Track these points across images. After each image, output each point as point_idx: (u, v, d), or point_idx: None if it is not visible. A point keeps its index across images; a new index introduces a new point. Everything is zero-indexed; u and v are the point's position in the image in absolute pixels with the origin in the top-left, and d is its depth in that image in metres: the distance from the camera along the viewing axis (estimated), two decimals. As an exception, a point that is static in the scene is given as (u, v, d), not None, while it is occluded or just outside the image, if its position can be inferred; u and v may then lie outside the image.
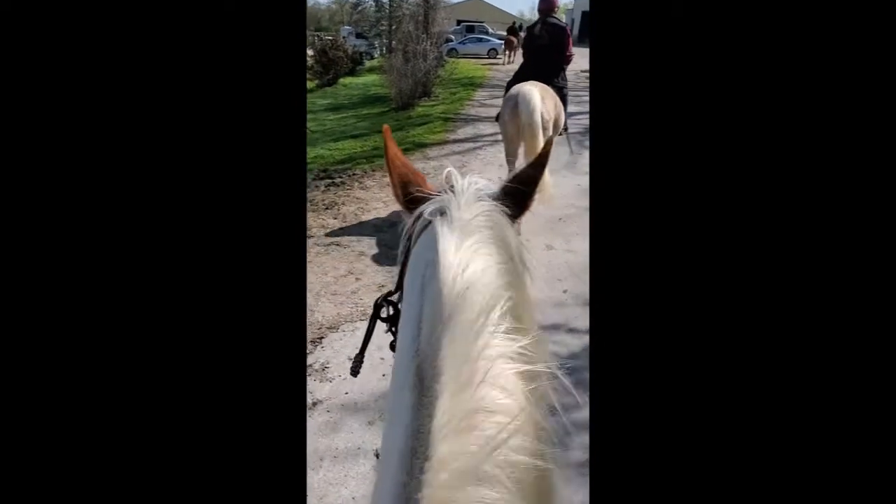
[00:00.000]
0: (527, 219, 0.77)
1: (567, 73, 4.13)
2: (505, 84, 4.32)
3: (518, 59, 18.29)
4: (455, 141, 6.35)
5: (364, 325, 2.59)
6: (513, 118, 3.40)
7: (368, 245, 3.50)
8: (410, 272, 0.60)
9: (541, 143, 3.38)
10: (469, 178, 0.64)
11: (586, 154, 5.74)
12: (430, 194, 0.66)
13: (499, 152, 5.75)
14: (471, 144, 6.18)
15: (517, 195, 0.66)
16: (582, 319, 2.61)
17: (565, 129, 4.15)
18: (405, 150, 5.84)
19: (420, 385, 0.45)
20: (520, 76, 3.86)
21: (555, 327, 2.55)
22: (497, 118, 3.91)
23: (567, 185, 4.59)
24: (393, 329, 0.75)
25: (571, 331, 2.52)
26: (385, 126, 0.78)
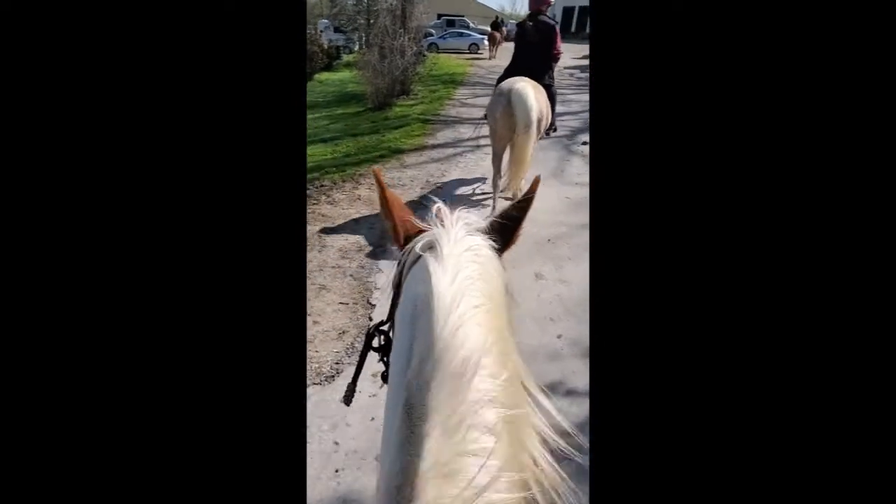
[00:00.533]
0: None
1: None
2: (494, 81, 4.11)
3: (500, 54, 18.55)
4: (434, 146, 5.89)
5: (320, 392, 2.19)
6: (505, 115, 3.22)
7: (331, 276, 3.04)
8: (402, 304, 0.61)
9: (532, 143, 3.27)
10: (458, 213, 0.65)
11: (574, 161, 5.34)
12: (422, 229, 0.67)
13: (480, 159, 5.33)
14: (451, 150, 5.73)
15: (503, 230, 0.68)
16: (582, 375, 2.20)
17: (553, 129, 4.07)
18: (380, 157, 5.37)
19: (409, 423, 0.46)
20: (510, 72, 3.74)
21: (550, 387, 2.13)
22: (485, 116, 3.75)
23: (554, 198, 4.18)
24: (385, 359, 0.75)
25: (570, 393, 2.11)
26: (375, 168, 0.78)
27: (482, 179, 4.75)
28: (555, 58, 3.82)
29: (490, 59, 17.82)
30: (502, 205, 3.69)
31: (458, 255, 0.57)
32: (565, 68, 11.37)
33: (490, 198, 3.93)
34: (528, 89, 3.26)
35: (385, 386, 0.67)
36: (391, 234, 0.72)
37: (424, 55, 15.45)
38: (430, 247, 0.60)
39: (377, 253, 3.29)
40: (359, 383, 0.85)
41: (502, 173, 3.54)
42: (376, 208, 3.94)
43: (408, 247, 0.65)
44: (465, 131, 6.59)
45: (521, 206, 0.71)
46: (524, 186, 3.49)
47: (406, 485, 0.43)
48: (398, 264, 0.67)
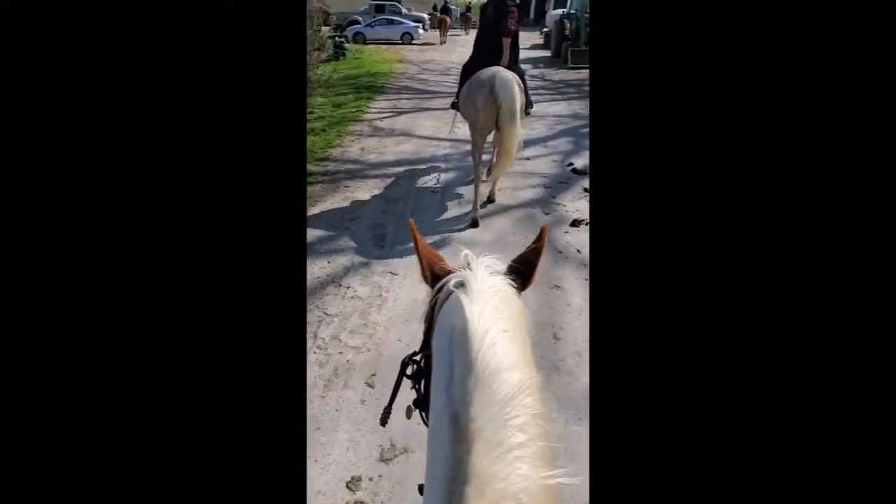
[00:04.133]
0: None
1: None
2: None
3: (449, 40, 16.49)
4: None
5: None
6: (488, 106, 3.17)
7: None
8: (438, 335, 0.66)
9: (519, 130, 3.23)
10: (482, 258, 0.72)
11: (570, 288, 2.66)
12: (451, 270, 0.75)
13: (377, 291, 2.58)
14: (324, 267, 2.85)
15: (519, 273, 0.74)
16: None
17: (531, 106, 3.83)
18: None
19: (455, 423, 0.53)
20: (476, 56, 3.62)
21: None
22: (453, 105, 3.89)
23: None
24: (417, 386, 0.80)
25: None
26: (411, 221, 0.87)
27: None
28: (506, 33, 3.49)
29: (441, 44, 16.63)
30: (483, 193, 3.60)
31: (485, 290, 0.64)
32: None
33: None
34: (510, 77, 3.20)
35: (416, 412, 0.81)
36: (422, 275, 0.78)
37: (343, 50, 12.48)
38: (461, 285, 0.67)
39: None
40: None
41: (483, 165, 3.53)
42: None
43: (439, 285, 0.72)
44: (364, 197, 3.76)
45: (534, 251, 0.77)
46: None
47: (459, 473, 0.50)
48: (430, 302, 0.73)
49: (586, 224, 3.35)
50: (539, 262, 0.76)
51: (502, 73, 3.21)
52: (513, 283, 0.70)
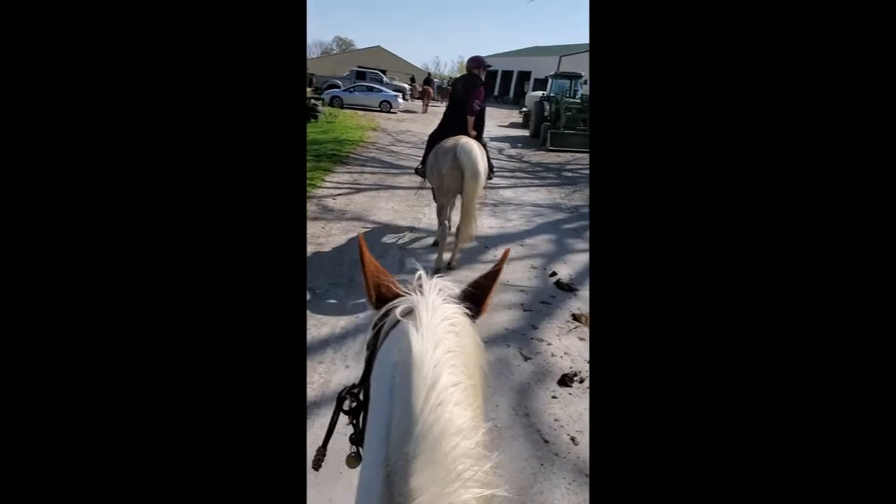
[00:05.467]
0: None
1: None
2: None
3: (430, 111, 17.89)
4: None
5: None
6: (453, 170, 3.43)
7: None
8: (380, 371, 0.62)
9: (481, 194, 3.52)
10: (434, 280, 0.68)
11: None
12: (399, 292, 0.69)
13: None
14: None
15: (475, 298, 0.71)
16: None
17: (493, 171, 4.09)
18: None
19: (390, 498, 0.48)
20: (441, 127, 3.96)
21: None
22: (416, 171, 4.23)
23: None
24: (354, 421, 0.76)
25: None
26: (360, 234, 0.92)
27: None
28: (471, 110, 3.79)
29: (423, 112, 17.86)
30: (446, 255, 3.66)
31: (437, 325, 0.59)
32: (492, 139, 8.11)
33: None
34: (473, 144, 3.47)
35: (352, 447, 0.75)
36: (366, 293, 0.74)
37: (316, 113, 11.96)
38: (409, 313, 0.62)
39: None
40: None
41: (451, 228, 3.66)
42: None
43: (385, 309, 0.67)
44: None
45: (490, 275, 0.75)
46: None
47: None
48: (374, 326, 0.69)
49: (581, 381, 2.39)
50: (495, 287, 0.74)
51: (464, 140, 3.51)
52: (467, 310, 0.66)
